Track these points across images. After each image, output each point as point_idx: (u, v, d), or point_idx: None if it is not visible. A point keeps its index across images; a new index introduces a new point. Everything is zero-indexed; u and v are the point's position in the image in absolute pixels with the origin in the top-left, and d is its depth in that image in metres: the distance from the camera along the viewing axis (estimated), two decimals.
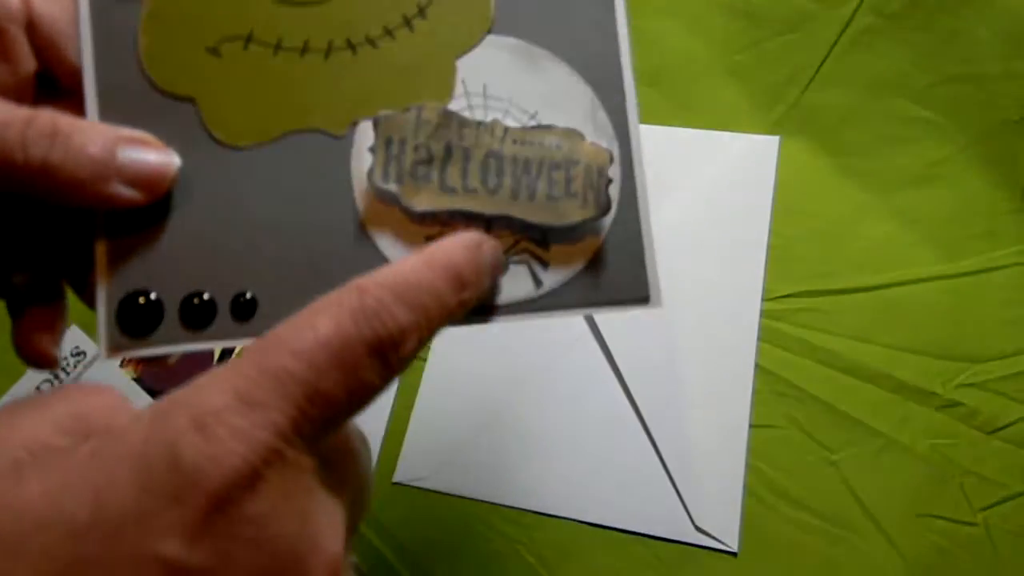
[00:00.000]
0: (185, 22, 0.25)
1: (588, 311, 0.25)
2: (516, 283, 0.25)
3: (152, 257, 0.24)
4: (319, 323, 0.18)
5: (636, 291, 0.26)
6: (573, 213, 0.24)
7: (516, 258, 0.25)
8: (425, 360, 0.52)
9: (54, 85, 0.25)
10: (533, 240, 0.25)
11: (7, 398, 0.53)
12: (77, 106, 0.24)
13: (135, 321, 0.24)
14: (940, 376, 0.46)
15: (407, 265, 0.20)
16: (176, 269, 0.24)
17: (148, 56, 0.25)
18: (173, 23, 0.25)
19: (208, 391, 0.18)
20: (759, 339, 0.49)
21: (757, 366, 0.48)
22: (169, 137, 0.24)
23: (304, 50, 0.25)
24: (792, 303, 0.50)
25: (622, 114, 0.26)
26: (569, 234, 0.25)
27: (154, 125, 0.24)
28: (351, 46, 0.25)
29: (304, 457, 0.18)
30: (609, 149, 0.25)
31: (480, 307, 0.24)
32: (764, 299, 0.50)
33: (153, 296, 0.24)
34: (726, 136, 0.55)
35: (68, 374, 0.53)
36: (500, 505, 0.47)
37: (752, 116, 0.56)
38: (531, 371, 0.51)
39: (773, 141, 0.54)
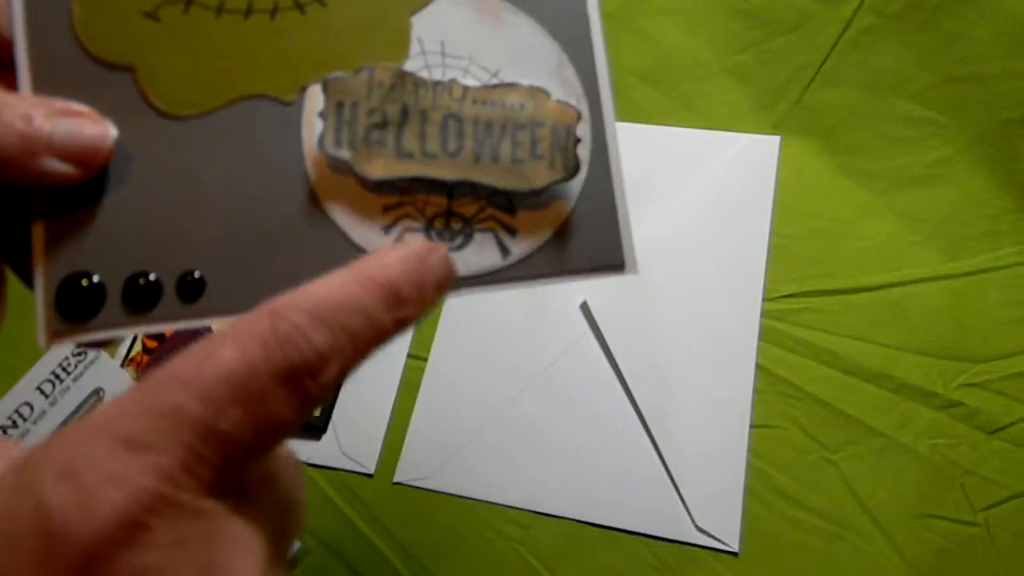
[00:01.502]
0: None
1: (559, 280, 0.24)
2: (482, 252, 0.23)
3: (92, 237, 0.23)
4: (221, 352, 0.16)
5: (610, 257, 0.24)
6: (540, 176, 0.23)
7: (481, 226, 0.23)
8: (425, 360, 0.52)
9: None
10: (499, 206, 0.23)
11: (8, 398, 0.53)
12: (11, 80, 0.23)
13: (75, 305, 0.22)
14: (941, 376, 0.46)
15: (334, 282, 0.18)
16: (118, 249, 0.23)
17: (82, 24, 0.23)
18: None
19: (82, 435, 0.16)
20: (760, 339, 0.49)
21: (758, 366, 0.48)
22: (107, 109, 0.23)
23: (248, 11, 0.23)
24: (793, 303, 0.50)
25: (591, 70, 0.24)
26: (537, 199, 0.23)
27: (91, 96, 0.22)
28: (298, 5, 0.24)
29: (204, 501, 0.16)
30: (577, 108, 0.23)
31: None
32: (765, 299, 0.50)
33: (95, 278, 0.22)
34: (726, 136, 0.55)
35: (69, 374, 0.53)
36: (500, 505, 0.47)
37: (753, 116, 0.56)
38: (531, 371, 0.51)
39: (774, 141, 0.54)
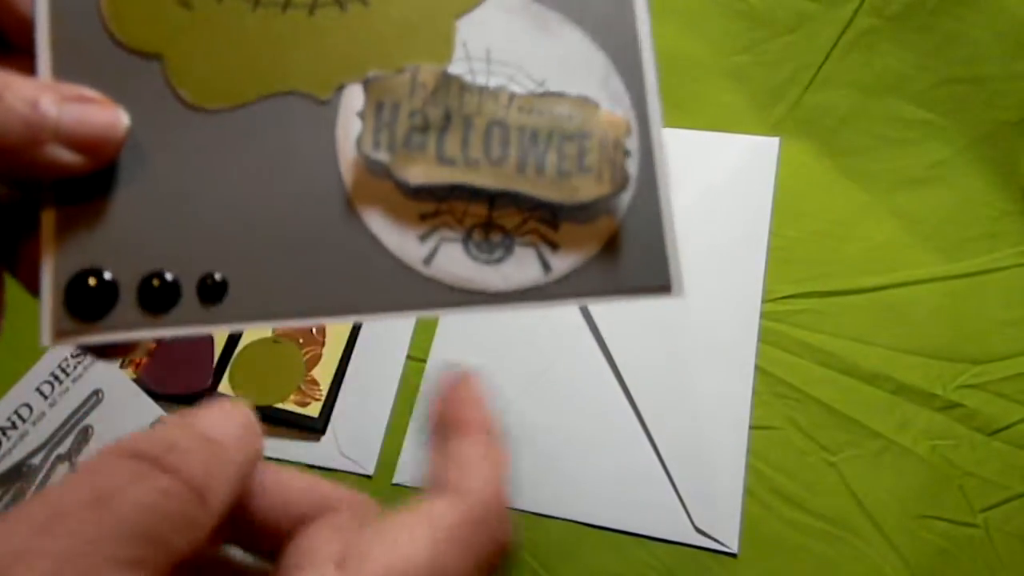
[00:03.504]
0: None
1: (604, 300, 0.22)
2: (523, 267, 0.22)
3: (107, 230, 0.21)
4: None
5: (657, 278, 0.23)
6: (587, 190, 0.22)
7: (523, 239, 0.22)
8: (425, 361, 0.52)
9: (3, 42, 0.22)
10: (542, 220, 0.22)
11: (6, 399, 0.53)
12: (28, 66, 0.22)
13: (86, 302, 0.21)
14: (940, 377, 0.46)
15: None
16: (134, 246, 0.21)
17: (110, 6, 0.22)
18: None
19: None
20: (759, 340, 0.49)
21: (757, 367, 0.48)
22: (131, 98, 0.21)
23: (286, 5, 0.23)
24: (792, 304, 0.50)
25: (639, 82, 0.23)
26: (582, 213, 0.22)
27: (114, 84, 0.21)
28: (338, 2, 0.23)
29: None
30: (626, 119, 0.22)
31: (481, 294, 0.22)
32: (764, 300, 0.50)
33: (107, 276, 0.21)
34: (726, 137, 0.55)
35: (68, 375, 0.53)
36: None
37: (752, 117, 0.56)
38: (531, 372, 0.51)
39: (773, 142, 0.54)
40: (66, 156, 0.20)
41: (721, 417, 0.47)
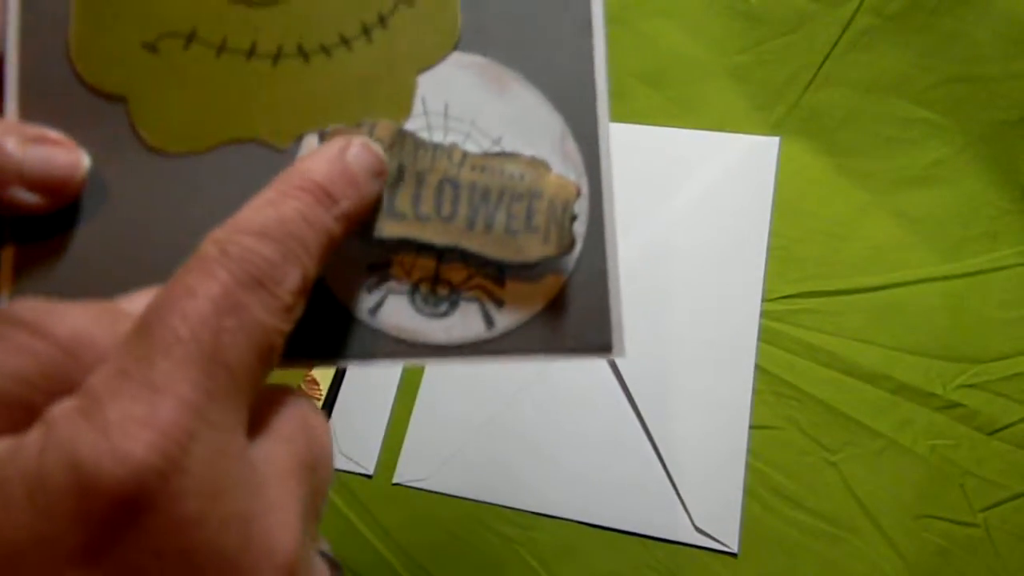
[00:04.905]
0: (122, 13, 0.23)
1: (544, 358, 0.23)
2: (467, 322, 0.23)
3: (61, 268, 0.22)
4: (190, 282, 0.16)
5: (597, 339, 0.23)
6: (533, 249, 0.22)
7: (468, 295, 0.23)
8: None
9: None
10: (488, 276, 0.23)
11: None
12: None
13: None
14: (940, 377, 0.46)
15: (264, 199, 0.18)
16: (88, 281, 0.22)
17: (78, 48, 0.22)
18: (109, 13, 0.23)
19: (103, 386, 0.15)
20: (759, 340, 0.49)
21: (757, 367, 0.48)
22: (95, 139, 0.22)
23: (251, 53, 0.23)
24: (792, 304, 0.50)
25: (593, 146, 0.24)
26: (528, 272, 0.23)
27: (79, 125, 0.22)
28: (303, 53, 0.23)
29: (235, 437, 0.16)
30: (577, 183, 0.23)
31: (424, 347, 0.22)
32: (764, 300, 0.50)
33: None
34: (726, 137, 0.55)
35: None
36: (500, 506, 0.47)
37: (752, 117, 0.56)
38: (531, 371, 0.51)
39: (773, 142, 0.54)
40: (27, 197, 0.20)
41: (721, 417, 0.47)
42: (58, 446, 0.14)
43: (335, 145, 0.20)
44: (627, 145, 0.56)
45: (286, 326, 0.17)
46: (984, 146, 0.52)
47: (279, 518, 0.16)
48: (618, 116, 0.57)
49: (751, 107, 0.56)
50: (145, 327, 0.16)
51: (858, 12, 0.56)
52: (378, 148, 0.21)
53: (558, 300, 0.23)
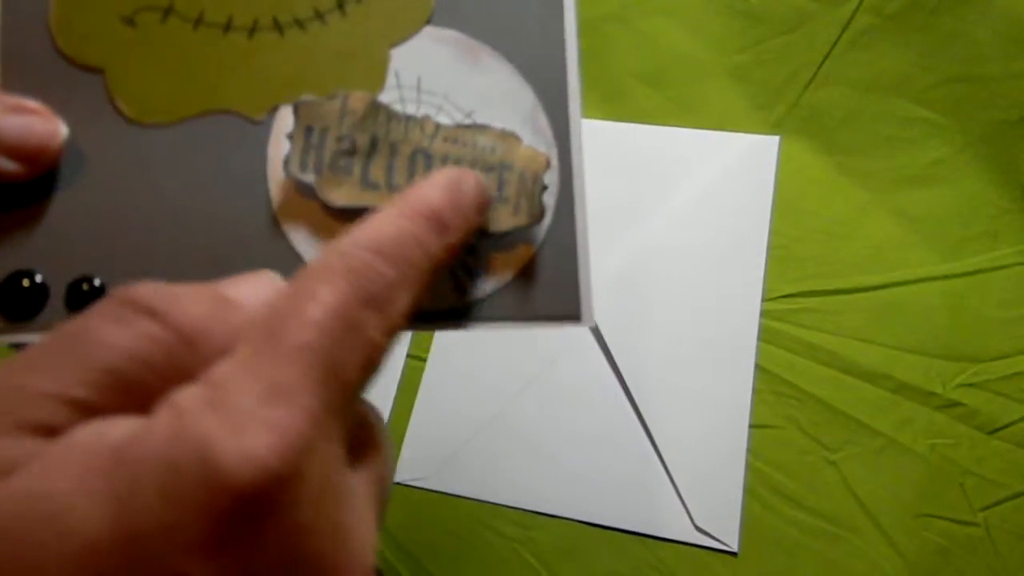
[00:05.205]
0: None
1: (515, 325, 0.24)
2: (439, 291, 0.23)
3: (39, 235, 0.22)
4: (315, 290, 0.17)
5: (566, 307, 0.24)
6: (504, 220, 0.23)
7: None
8: (425, 360, 0.52)
9: None
10: None
11: None
12: None
13: (15, 303, 0.22)
14: (940, 376, 0.46)
15: (384, 219, 0.19)
16: (65, 250, 0.22)
17: (58, 21, 0.23)
18: None
19: (231, 383, 0.15)
20: (759, 339, 0.49)
21: (757, 366, 0.48)
22: (73, 109, 0.22)
23: (227, 27, 0.23)
24: (792, 303, 0.50)
25: (564, 119, 0.24)
26: (499, 242, 0.23)
27: (58, 95, 0.22)
28: (278, 26, 0.24)
29: (336, 447, 0.16)
30: (547, 154, 0.23)
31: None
32: (764, 299, 0.50)
33: (38, 278, 0.22)
34: (726, 136, 0.55)
35: None
36: (500, 505, 0.47)
37: (752, 116, 0.56)
38: (531, 371, 0.51)
39: (773, 141, 0.54)
40: (5, 164, 0.21)
41: (721, 416, 0.47)
42: (190, 437, 0.15)
43: (451, 175, 0.21)
44: (627, 145, 0.56)
45: (391, 348, 0.18)
46: (984, 146, 0.52)
47: (366, 534, 0.17)
48: (618, 116, 0.57)
49: (751, 106, 0.56)
50: (271, 328, 0.16)
51: (858, 11, 0.56)
52: (485, 183, 0.22)
53: (528, 269, 0.24)
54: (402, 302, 0.18)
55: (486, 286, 0.23)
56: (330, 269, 0.17)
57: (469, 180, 0.21)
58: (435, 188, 0.20)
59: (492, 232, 0.23)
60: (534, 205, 0.23)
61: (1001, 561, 0.42)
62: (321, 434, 0.15)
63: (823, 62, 0.56)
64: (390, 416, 0.51)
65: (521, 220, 0.23)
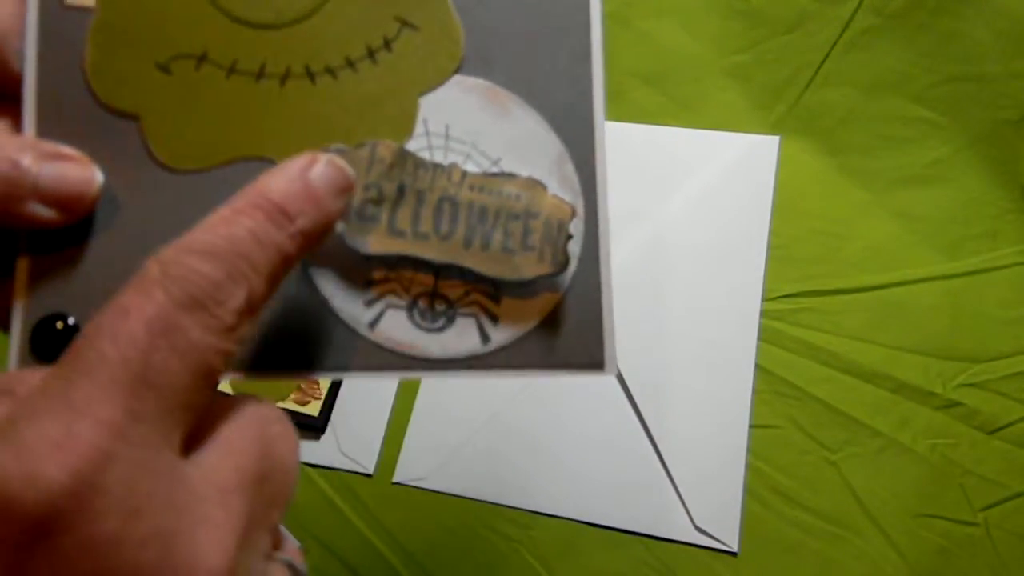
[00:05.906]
0: (136, 35, 0.24)
1: (537, 374, 0.24)
2: (462, 337, 0.23)
3: (74, 280, 0.23)
4: (127, 303, 0.17)
5: (590, 356, 0.24)
6: (528, 268, 0.23)
7: (465, 310, 0.24)
8: None
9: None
10: (484, 293, 0.24)
11: None
12: (16, 114, 0.23)
13: (49, 345, 0.22)
14: (940, 376, 0.46)
15: (217, 218, 0.19)
16: (98, 294, 0.22)
17: (94, 68, 0.23)
18: (123, 35, 0.24)
19: (25, 409, 0.15)
20: (759, 339, 0.49)
21: (757, 366, 0.48)
22: (108, 156, 0.23)
23: (260, 75, 0.24)
24: (792, 303, 0.50)
25: (590, 168, 0.24)
26: (523, 290, 0.24)
27: (94, 142, 0.23)
28: (310, 74, 0.24)
29: (161, 455, 0.16)
30: (572, 204, 0.24)
31: (421, 360, 0.23)
32: (764, 299, 0.50)
33: (71, 321, 0.23)
34: (726, 136, 0.55)
35: None
36: (500, 505, 0.47)
37: (752, 116, 0.56)
38: None
39: (773, 141, 0.54)
40: (42, 211, 0.21)
41: (721, 416, 0.47)
42: None
43: (298, 162, 0.20)
44: (627, 144, 0.56)
45: (228, 345, 0.18)
46: (984, 145, 0.52)
47: (209, 534, 0.16)
48: (618, 115, 0.57)
49: (751, 106, 0.56)
50: (75, 350, 0.16)
51: (858, 11, 0.56)
52: (343, 164, 0.21)
53: (552, 317, 0.24)
54: (235, 299, 0.18)
55: (509, 333, 0.24)
56: (146, 279, 0.17)
57: (319, 165, 0.20)
58: (277, 179, 0.20)
59: (516, 280, 0.23)
60: (559, 253, 0.23)
61: (1001, 561, 0.42)
62: (126, 443, 0.15)
63: (823, 62, 0.56)
64: (390, 416, 0.51)
65: (545, 268, 0.23)
